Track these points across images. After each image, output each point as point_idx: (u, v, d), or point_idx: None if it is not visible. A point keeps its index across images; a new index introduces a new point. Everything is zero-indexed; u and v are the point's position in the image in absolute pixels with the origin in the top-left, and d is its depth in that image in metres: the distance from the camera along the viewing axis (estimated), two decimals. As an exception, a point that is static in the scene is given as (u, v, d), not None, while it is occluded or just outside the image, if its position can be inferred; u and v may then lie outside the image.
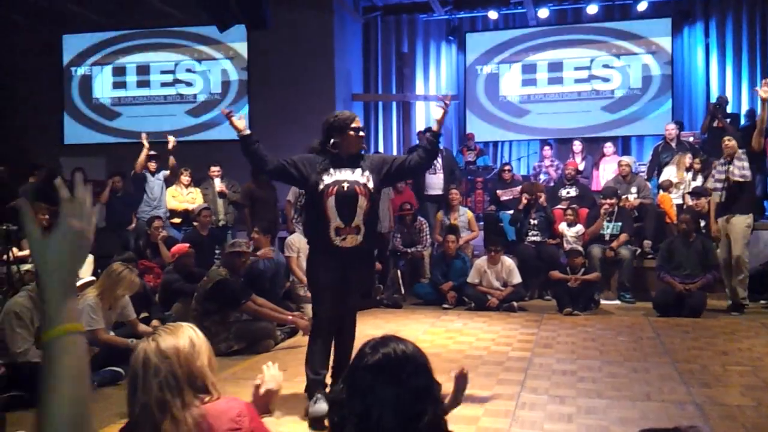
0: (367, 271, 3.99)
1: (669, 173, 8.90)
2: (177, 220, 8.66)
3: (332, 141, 3.90)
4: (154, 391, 1.82)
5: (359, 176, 3.88)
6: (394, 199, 8.72)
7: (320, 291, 3.96)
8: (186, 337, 1.93)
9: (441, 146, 9.69)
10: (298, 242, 7.01)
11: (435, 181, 9.26)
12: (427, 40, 13.45)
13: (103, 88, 13.13)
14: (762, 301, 7.27)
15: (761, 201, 9.04)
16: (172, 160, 8.66)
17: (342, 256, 3.88)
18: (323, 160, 3.91)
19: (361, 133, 3.99)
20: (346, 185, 3.83)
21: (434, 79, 13.45)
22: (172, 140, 8.54)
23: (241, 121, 4.02)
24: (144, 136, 8.59)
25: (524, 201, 8.42)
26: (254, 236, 7.08)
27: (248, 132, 3.99)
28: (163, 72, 12.93)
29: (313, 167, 3.89)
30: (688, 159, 8.87)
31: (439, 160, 9.30)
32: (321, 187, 3.82)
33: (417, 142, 11.69)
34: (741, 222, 6.90)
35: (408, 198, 8.96)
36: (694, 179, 8.72)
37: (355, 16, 12.96)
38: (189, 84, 12.81)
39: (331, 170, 3.86)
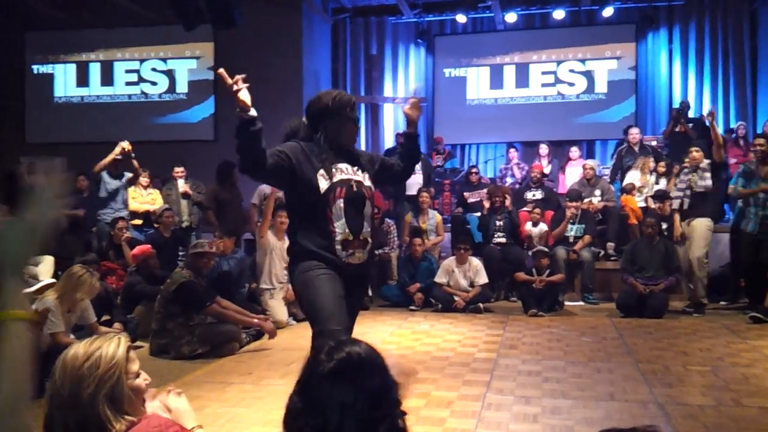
0: (364, 295, 3.18)
1: (633, 177, 9.05)
2: (138, 222, 8.52)
3: (325, 128, 3.08)
4: (45, 405, 1.70)
5: (360, 174, 3.10)
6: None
7: (327, 319, 2.89)
8: (92, 352, 1.70)
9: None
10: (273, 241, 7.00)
11: (414, 182, 9.23)
12: (395, 43, 13.48)
13: (67, 86, 12.89)
14: (722, 302, 7.41)
15: (721, 205, 9.23)
16: (134, 162, 8.47)
17: (347, 277, 3.01)
18: (319, 151, 3.04)
19: (359, 124, 3.24)
20: (354, 185, 3.04)
21: (403, 81, 13.48)
22: (126, 145, 8.21)
23: (246, 94, 2.90)
24: (125, 146, 8.19)
25: (486, 204, 8.49)
26: (217, 240, 6.98)
27: (254, 113, 2.88)
28: (128, 71, 12.74)
29: (306, 160, 3.00)
30: (651, 162, 9.03)
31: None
32: (324, 187, 2.97)
33: (396, 144, 11.72)
34: (702, 224, 7.04)
35: (376, 201, 8.96)
36: (657, 183, 8.87)
37: (324, 17, 12.92)
38: (154, 83, 12.64)
39: (332, 165, 3.02)
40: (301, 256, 3.02)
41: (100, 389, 1.66)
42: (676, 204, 7.27)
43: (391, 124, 13.23)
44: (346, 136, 3.12)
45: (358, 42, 13.50)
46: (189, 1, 9.46)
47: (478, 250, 8.30)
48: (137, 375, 1.79)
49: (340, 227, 2.97)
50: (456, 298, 7.41)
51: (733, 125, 11.29)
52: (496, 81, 13.04)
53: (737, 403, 4.04)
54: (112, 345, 1.74)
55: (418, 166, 9.13)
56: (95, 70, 12.80)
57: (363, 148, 13.26)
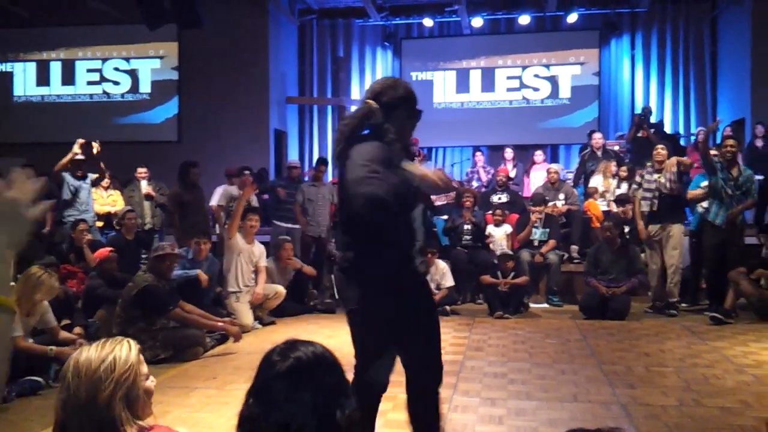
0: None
1: (596, 181, 9.18)
2: (99, 224, 8.34)
3: (396, 121, 2.64)
4: (58, 410, 1.69)
5: None
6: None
7: (377, 370, 2.70)
8: (106, 355, 1.71)
9: None
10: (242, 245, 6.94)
11: None
12: (362, 45, 13.49)
13: (26, 85, 12.62)
14: (683, 304, 7.55)
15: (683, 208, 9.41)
16: (101, 163, 8.32)
17: (419, 286, 2.78)
18: (390, 151, 2.56)
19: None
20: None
21: (370, 84, 13.47)
22: (95, 146, 8.13)
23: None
24: (79, 143, 8.07)
25: (469, 202, 8.43)
26: (201, 246, 6.81)
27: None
28: (90, 70, 12.53)
29: (390, 163, 2.51)
30: (613, 167, 9.16)
31: None
32: None
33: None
34: (678, 231, 7.20)
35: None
36: (618, 187, 9.00)
37: (291, 18, 12.86)
38: (116, 83, 12.45)
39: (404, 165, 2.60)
40: (377, 276, 2.59)
41: (117, 391, 1.68)
42: (645, 206, 7.35)
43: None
44: (410, 132, 2.77)
45: (325, 44, 13.48)
46: (153, 1, 9.32)
47: (445, 253, 8.32)
48: (147, 377, 1.81)
49: (419, 235, 2.73)
50: (422, 301, 7.41)
51: (693, 130, 11.53)
52: (463, 85, 13.13)
53: (698, 403, 4.11)
54: (124, 348, 1.76)
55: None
56: (56, 69, 12.56)
57: (330, 150, 13.26)
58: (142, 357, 1.81)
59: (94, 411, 1.66)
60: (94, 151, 8.15)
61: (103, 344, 1.76)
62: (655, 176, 7.24)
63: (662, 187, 7.18)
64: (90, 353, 1.72)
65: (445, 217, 8.80)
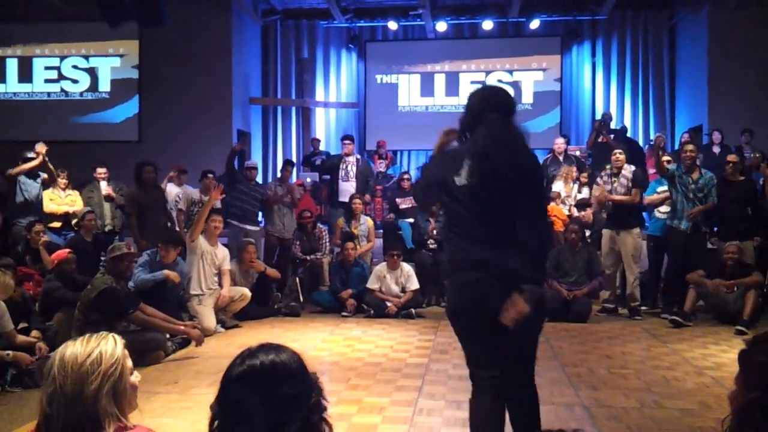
0: None
1: (557, 186, 9.29)
2: (56, 224, 8.12)
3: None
4: (43, 405, 1.68)
5: None
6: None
7: None
8: (92, 349, 1.71)
9: (357, 156, 9.59)
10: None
11: (347, 189, 9.15)
12: (327, 47, 13.46)
13: (-21, 82, 12.27)
14: (642, 308, 7.68)
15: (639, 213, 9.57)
16: (49, 165, 8.12)
17: None
18: None
19: None
20: None
21: (334, 86, 13.47)
22: (41, 147, 7.94)
23: None
24: (40, 149, 7.89)
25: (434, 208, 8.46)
26: (172, 252, 6.66)
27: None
28: (47, 68, 12.24)
29: None
30: (574, 171, 9.29)
31: (354, 168, 9.26)
32: None
33: (312, 148, 11.64)
34: (636, 236, 7.31)
35: (307, 206, 8.92)
36: (579, 191, 9.13)
37: (254, 18, 12.77)
38: (75, 81, 12.19)
39: None
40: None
41: (103, 385, 1.68)
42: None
43: (323, 127, 13.18)
44: None
45: (289, 45, 13.41)
46: (116, -2, 9.12)
47: (410, 256, 8.33)
48: (132, 371, 1.82)
49: None
50: (388, 304, 7.41)
51: (652, 136, 11.76)
52: (427, 88, 13.19)
53: (659, 404, 4.19)
54: (110, 342, 1.76)
55: (352, 173, 9.19)
56: (12, 66, 12.25)
57: (294, 152, 13.20)
58: (127, 352, 1.81)
59: (80, 405, 1.65)
60: (43, 151, 7.94)
61: (89, 339, 1.75)
62: (612, 180, 7.36)
63: (616, 193, 7.29)
64: (75, 348, 1.71)
65: (411, 220, 8.81)
